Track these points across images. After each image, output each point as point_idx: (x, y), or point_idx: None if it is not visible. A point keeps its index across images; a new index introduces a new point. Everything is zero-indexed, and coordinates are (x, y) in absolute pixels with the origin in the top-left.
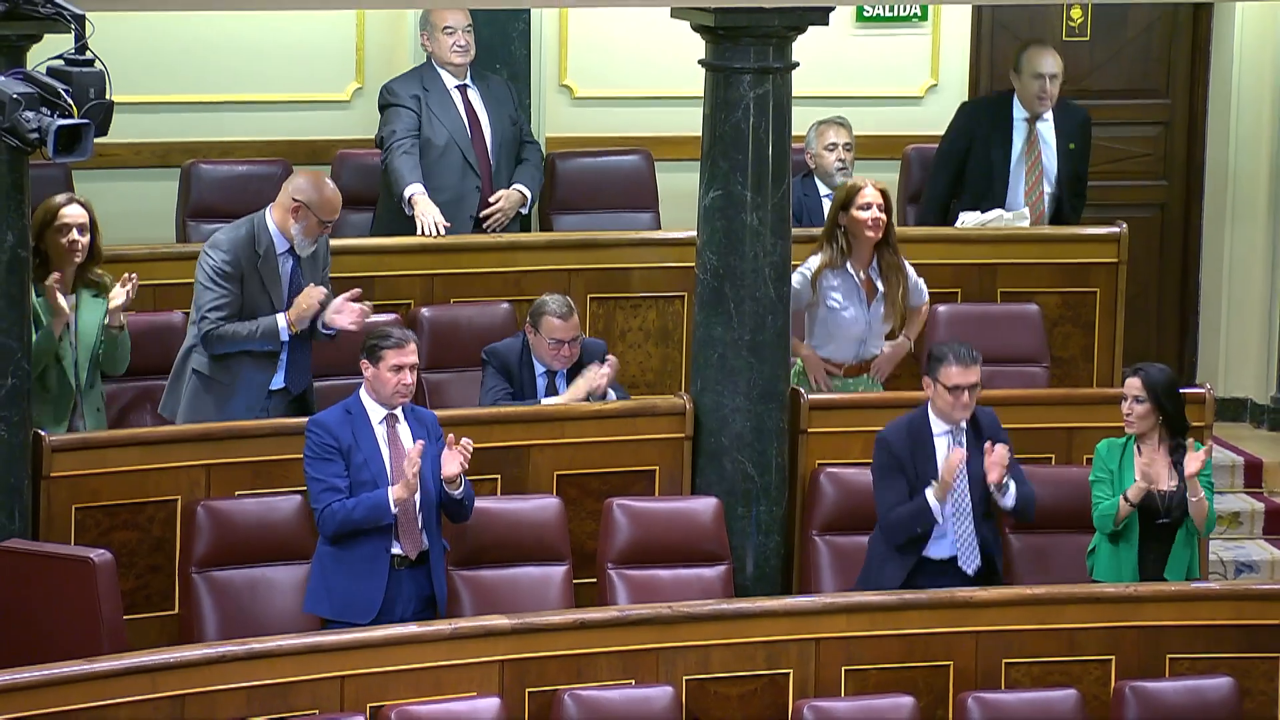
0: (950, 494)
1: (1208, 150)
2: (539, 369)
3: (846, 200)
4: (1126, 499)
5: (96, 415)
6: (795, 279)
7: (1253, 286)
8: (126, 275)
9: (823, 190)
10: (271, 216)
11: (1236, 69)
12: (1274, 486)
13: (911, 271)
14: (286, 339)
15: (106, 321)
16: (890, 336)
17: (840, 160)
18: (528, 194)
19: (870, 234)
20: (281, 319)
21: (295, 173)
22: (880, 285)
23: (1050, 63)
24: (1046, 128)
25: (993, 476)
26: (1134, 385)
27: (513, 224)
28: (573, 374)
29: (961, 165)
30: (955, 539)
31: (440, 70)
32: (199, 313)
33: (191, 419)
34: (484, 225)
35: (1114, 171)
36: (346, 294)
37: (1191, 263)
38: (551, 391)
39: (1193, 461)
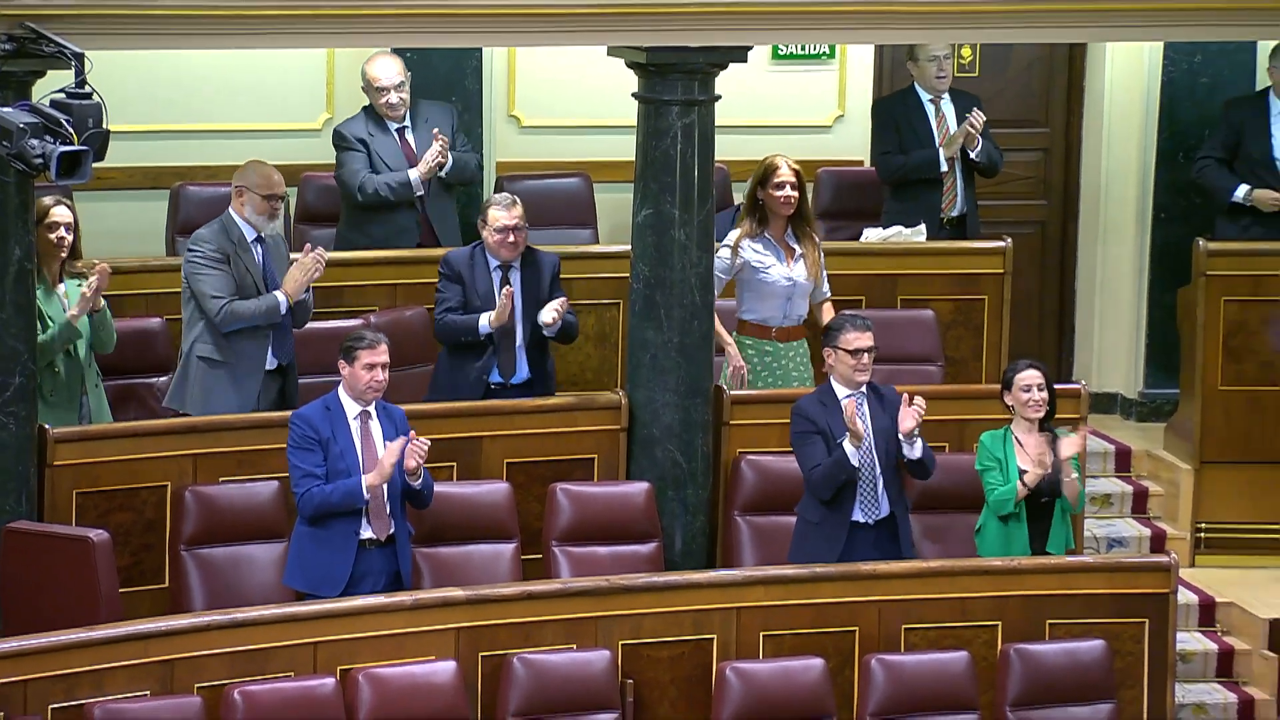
0: (860, 448)
1: (1082, 174)
2: (492, 264)
3: (763, 177)
4: (1025, 484)
5: (96, 391)
6: (720, 255)
7: (1122, 295)
8: (99, 266)
9: None
10: (235, 212)
11: (1108, 102)
12: (1141, 471)
13: (823, 260)
14: (285, 311)
15: (89, 306)
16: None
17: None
18: (447, 159)
19: (784, 210)
20: (279, 295)
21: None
22: (798, 248)
23: (942, 46)
24: (947, 107)
25: (906, 425)
26: (1038, 377)
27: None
28: (526, 259)
29: (899, 137)
30: (860, 492)
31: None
32: (207, 297)
33: (204, 400)
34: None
35: (1000, 193)
36: (305, 249)
37: (1068, 273)
38: (505, 285)
39: (1069, 446)
